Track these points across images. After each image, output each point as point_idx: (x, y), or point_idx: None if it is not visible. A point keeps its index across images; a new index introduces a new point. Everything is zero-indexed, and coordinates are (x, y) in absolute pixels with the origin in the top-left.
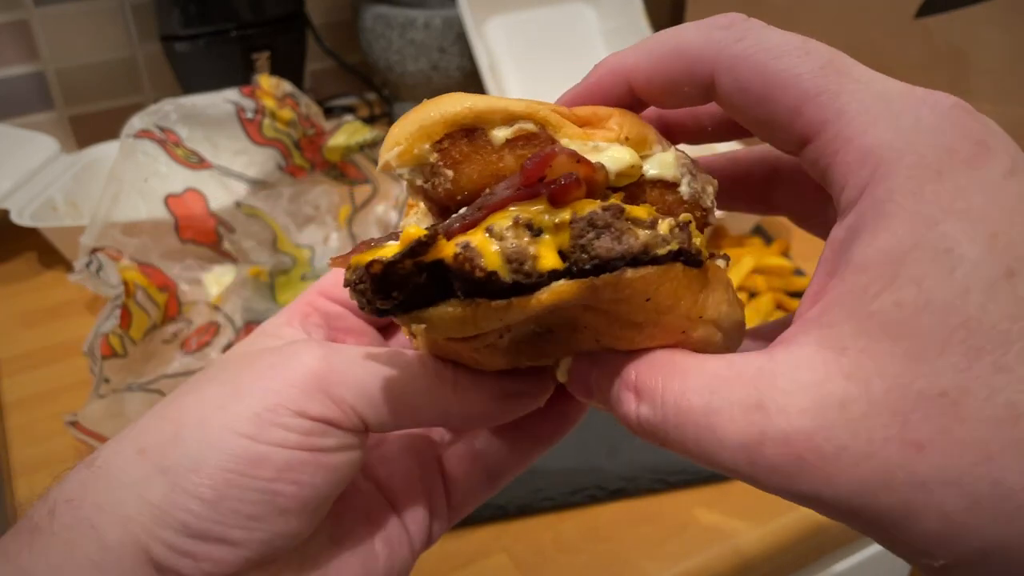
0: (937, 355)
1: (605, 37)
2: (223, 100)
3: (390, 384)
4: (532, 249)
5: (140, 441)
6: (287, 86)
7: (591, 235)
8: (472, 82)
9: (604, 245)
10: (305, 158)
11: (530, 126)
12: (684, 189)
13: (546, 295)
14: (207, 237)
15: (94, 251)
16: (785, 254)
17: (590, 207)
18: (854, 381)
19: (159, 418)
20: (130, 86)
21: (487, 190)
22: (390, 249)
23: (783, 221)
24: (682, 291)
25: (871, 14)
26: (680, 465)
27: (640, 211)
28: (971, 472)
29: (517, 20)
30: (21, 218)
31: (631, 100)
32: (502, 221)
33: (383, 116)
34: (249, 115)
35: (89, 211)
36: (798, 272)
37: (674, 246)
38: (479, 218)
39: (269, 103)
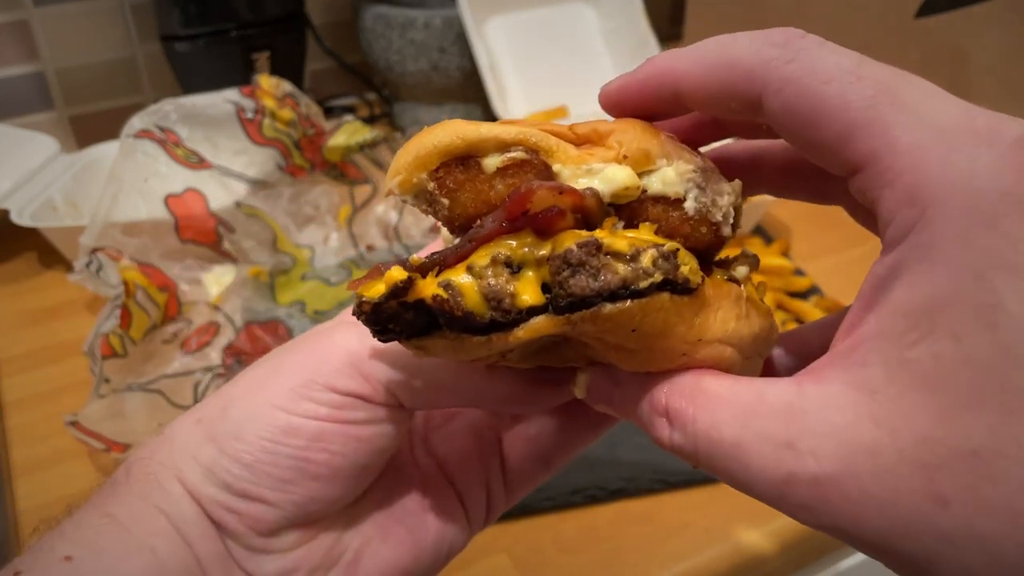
0: (971, 412)
1: (605, 37)
2: (223, 100)
3: (422, 365)
4: (510, 287)
5: (199, 413)
6: (287, 86)
7: (566, 273)
8: (472, 82)
9: (579, 283)
10: (305, 158)
11: (521, 154)
12: (689, 204)
13: (523, 332)
14: (207, 237)
15: (94, 251)
16: (785, 254)
17: (570, 241)
18: (884, 429)
19: (217, 395)
20: (130, 86)
21: (477, 222)
22: (377, 288)
23: (783, 221)
24: (673, 319)
25: (871, 14)
26: (680, 465)
27: (621, 243)
28: (996, 532)
29: (517, 20)
30: (21, 218)
31: (676, 104)
32: (481, 260)
33: (383, 116)
34: (249, 115)
35: (89, 211)
36: (798, 272)
37: (657, 278)
38: (469, 250)
39: (269, 103)
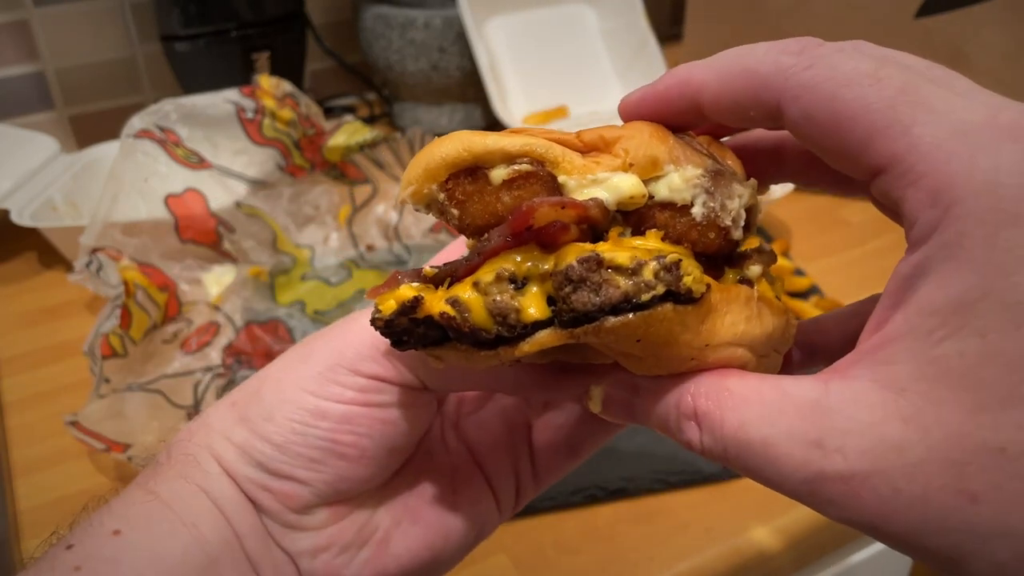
0: (999, 409)
1: (605, 37)
2: (223, 100)
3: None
4: (515, 303)
5: (233, 397)
6: (287, 86)
7: (568, 289)
8: (472, 82)
9: (581, 299)
10: (305, 158)
11: (527, 165)
12: (697, 210)
13: (528, 345)
14: (207, 237)
15: (94, 251)
16: (785, 254)
17: (572, 256)
18: (912, 426)
19: (252, 379)
20: (130, 86)
21: (485, 236)
22: (389, 304)
23: (783, 221)
24: (677, 328)
25: (871, 14)
26: (680, 465)
27: (623, 257)
28: None
29: (517, 20)
30: (21, 218)
31: (696, 115)
32: (487, 276)
33: (383, 116)
34: (249, 115)
35: (89, 211)
36: (798, 272)
37: (659, 290)
38: (477, 264)
39: (269, 103)
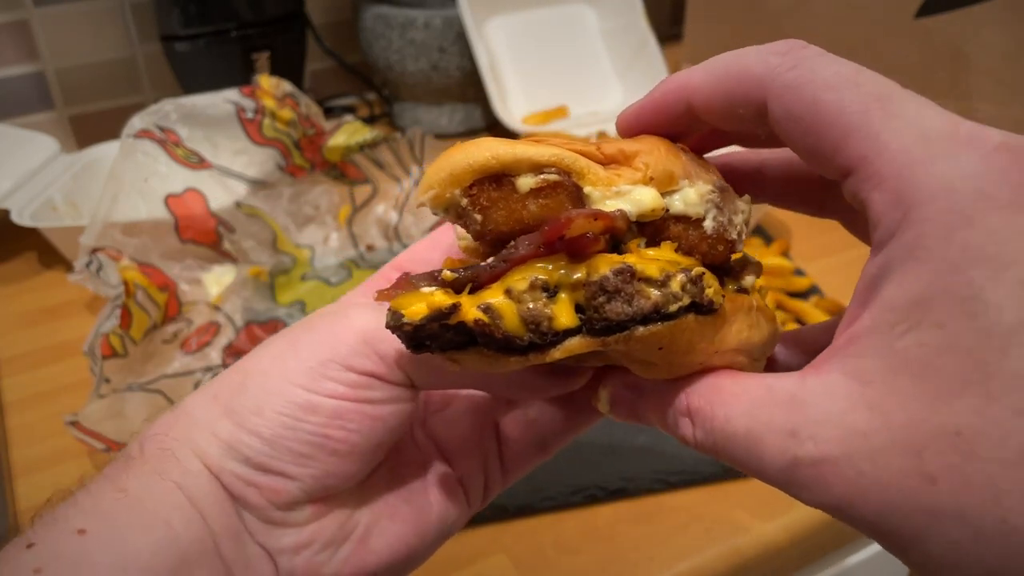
0: (955, 396)
1: (605, 37)
2: (223, 100)
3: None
4: (548, 311)
5: (215, 388)
6: (287, 86)
7: (602, 299)
8: (472, 82)
9: (615, 309)
10: (305, 158)
11: (554, 175)
12: (708, 224)
13: (559, 352)
14: (207, 237)
15: (94, 251)
16: (785, 254)
17: (605, 267)
18: (876, 414)
19: (232, 371)
20: (130, 86)
21: (511, 243)
22: (418, 309)
23: (783, 221)
24: (696, 338)
25: (871, 14)
26: (680, 465)
27: (652, 269)
28: (979, 509)
29: (517, 20)
30: (21, 218)
31: (690, 119)
32: (520, 283)
33: (383, 116)
34: (249, 115)
35: (89, 211)
36: (798, 272)
37: (685, 302)
38: (502, 270)
39: (269, 103)
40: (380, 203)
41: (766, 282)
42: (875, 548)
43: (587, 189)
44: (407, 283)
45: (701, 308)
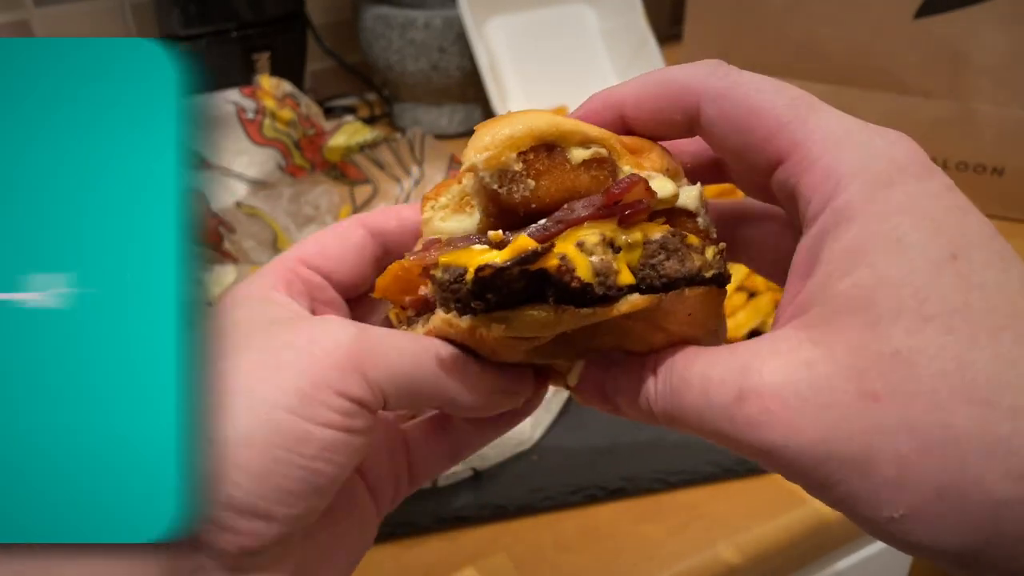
0: (891, 322)
1: (605, 37)
2: (223, 100)
3: (417, 370)
4: (614, 265)
5: None
6: (287, 86)
7: (661, 256)
8: (472, 82)
9: (672, 266)
10: (305, 158)
11: (603, 151)
12: (701, 220)
13: (625, 306)
14: (208, 237)
15: None
16: None
17: (658, 231)
18: (820, 346)
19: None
20: None
21: (565, 206)
22: (492, 255)
23: None
24: (711, 308)
25: (871, 14)
26: (680, 465)
27: (694, 239)
28: (923, 418)
29: (517, 20)
30: None
31: (623, 129)
32: (591, 238)
33: (383, 116)
34: (249, 115)
35: None
36: None
37: (717, 270)
38: (557, 231)
39: (269, 103)
40: (380, 203)
41: (765, 283)
42: (874, 548)
43: (626, 168)
44: (445, 245)
45: (722, 280)
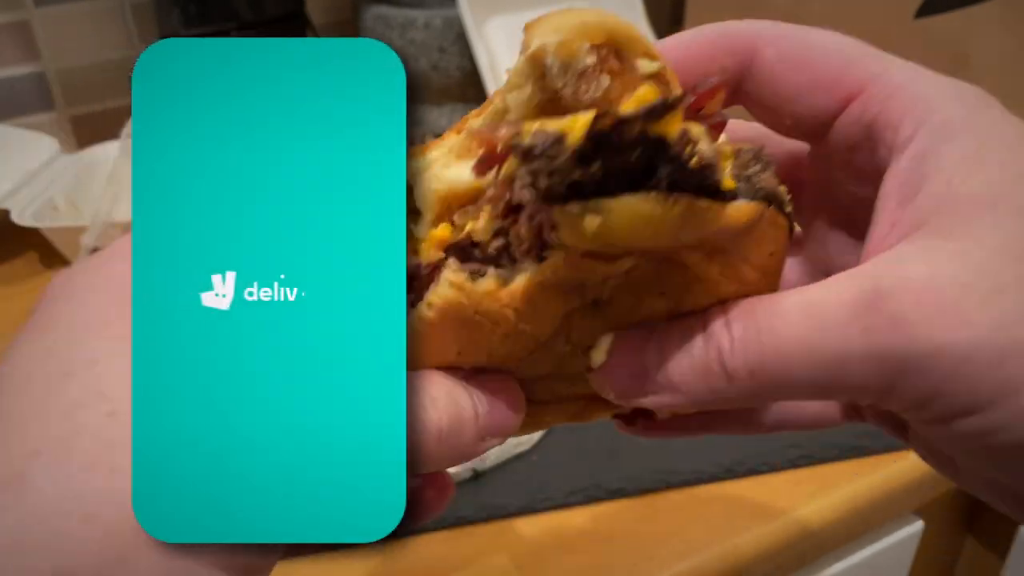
0: None
1: None
2: None
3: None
4: (719, 163)
5: (109, 405)
6: None
7: (757, 168)
8: (472, 82)
9: (770, 180)
10: None
11: (666, 71)
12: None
13: (733, 211)
14: None
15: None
16: None
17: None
18: (964, 239)
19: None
20: (130, 86)
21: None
22: (624, 106)
23: None
24: (784, 252)
25: (871, 14)
26: (680, 465)
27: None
28: None
29: (517, 20)
30: (22, 218)
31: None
32: (695, 128)
33: None
34: None
35: (90, 211)
36: None
37: (791, 208)
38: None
39: None
40: None
41: None
42: (875, 548)
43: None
44: (510, 126)
45: (791, 221)
